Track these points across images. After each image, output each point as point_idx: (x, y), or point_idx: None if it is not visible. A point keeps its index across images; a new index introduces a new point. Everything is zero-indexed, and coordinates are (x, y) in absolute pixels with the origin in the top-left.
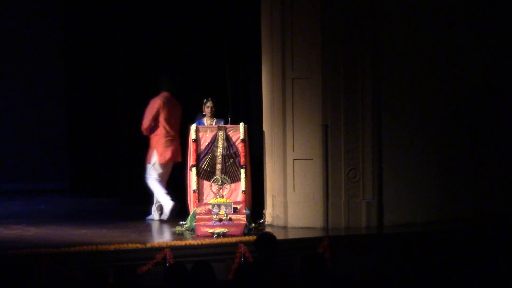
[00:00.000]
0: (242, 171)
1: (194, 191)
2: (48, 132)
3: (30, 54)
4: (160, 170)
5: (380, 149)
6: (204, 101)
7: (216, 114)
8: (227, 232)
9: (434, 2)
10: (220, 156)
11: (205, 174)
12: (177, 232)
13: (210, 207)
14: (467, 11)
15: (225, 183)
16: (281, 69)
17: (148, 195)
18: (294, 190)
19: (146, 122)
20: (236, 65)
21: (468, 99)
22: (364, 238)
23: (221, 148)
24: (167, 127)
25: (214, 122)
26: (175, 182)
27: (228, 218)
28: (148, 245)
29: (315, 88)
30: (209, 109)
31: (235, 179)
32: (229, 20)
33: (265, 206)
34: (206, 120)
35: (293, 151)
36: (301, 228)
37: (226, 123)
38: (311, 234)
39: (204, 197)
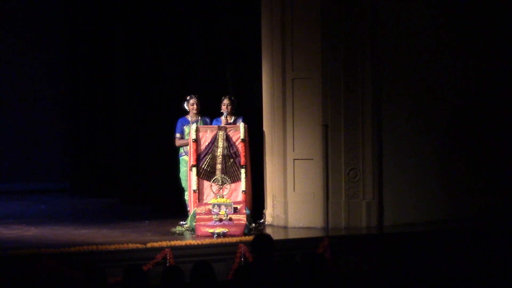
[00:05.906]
0: (242, 171)
1: (194, 191)
2: (48, 132)
3: (30, 54)
4: None
5: (380, 149)
6: (188, 98)
7: (202, 111)
8: (227, 232)
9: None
10: (220, 156)
11: (205, 174)
12: (177, 232)
13: (210, 207)
14: (470, 7)
15: (225, 183)
16: (281, 69)
17: (147, 195)
18: (294, 190)
19: None
20: (236, 65)
21: (468, 100)
22: (364, 238)
23: (221, 148)
24: None
25: (233, 119)
26: (175, 182)
27: (228, 218)
28: (148, 245)
29: (315, 88)
30: (193, 106)
31: (235, 179)
32: (229, 20)
33: (265, 206)
34: (190, 118)
35: (293, 151)
36: (301, 228)
37: (244, 121)
38: (311, 234)
39: (204, 197)
